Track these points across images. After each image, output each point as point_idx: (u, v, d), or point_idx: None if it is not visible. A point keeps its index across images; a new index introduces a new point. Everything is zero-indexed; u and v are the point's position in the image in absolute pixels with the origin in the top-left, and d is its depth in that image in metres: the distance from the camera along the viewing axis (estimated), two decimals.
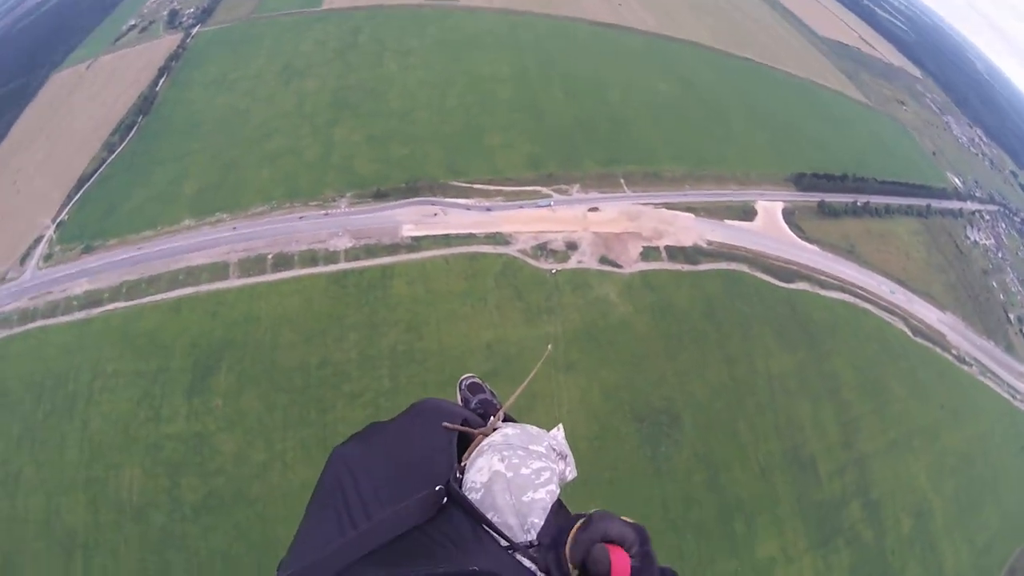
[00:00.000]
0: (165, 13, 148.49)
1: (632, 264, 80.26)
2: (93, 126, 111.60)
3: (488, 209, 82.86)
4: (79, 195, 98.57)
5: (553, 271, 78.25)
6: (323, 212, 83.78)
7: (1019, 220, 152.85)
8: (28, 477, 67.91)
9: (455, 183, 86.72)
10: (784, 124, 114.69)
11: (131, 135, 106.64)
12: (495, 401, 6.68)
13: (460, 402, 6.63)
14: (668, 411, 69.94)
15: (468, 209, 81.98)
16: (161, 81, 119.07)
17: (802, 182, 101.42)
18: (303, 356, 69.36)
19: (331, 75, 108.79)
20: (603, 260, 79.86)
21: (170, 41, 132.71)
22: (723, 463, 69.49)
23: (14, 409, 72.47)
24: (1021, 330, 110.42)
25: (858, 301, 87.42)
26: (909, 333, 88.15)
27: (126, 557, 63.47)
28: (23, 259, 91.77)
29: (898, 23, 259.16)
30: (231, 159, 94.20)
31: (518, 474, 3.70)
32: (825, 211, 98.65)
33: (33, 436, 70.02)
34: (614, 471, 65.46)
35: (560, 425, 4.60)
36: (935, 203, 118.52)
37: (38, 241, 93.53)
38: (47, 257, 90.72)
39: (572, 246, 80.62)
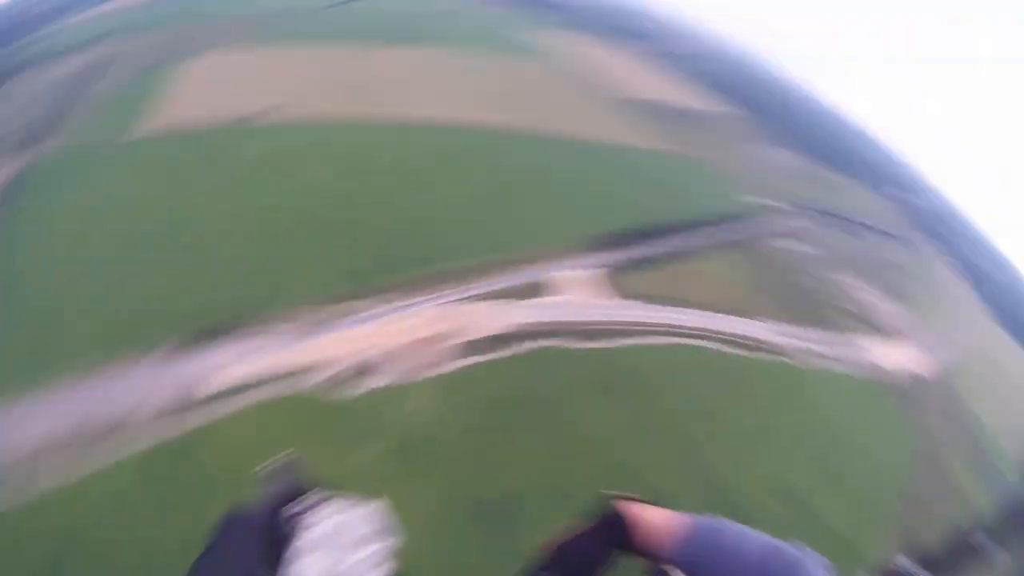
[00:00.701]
0: None
1: (439, 367, 74.60)
2: None
3: (293, 339, 77.01)
4: None
5: (360, 392, 71.67)
6: (134, 370, 74.78)
7: (835, 219, 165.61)
8: None
9: (263, 317, 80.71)
10: (578, 188, 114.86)
11: None
12: (301, 478, 5.86)
13: (270, 486, 5.71)
14: (509, 502, 65.61)
15: (274, 344, 76.33)
16: None
17: (603, 241, 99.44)
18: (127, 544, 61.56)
19: (149, 207, 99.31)
20: (412, 369, 73.80)
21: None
22: None
23: None
24: (854, 311, 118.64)
25: (697, 341, 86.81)
26: (745, 354, 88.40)
27: None
28: None
29: (695, 59, 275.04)
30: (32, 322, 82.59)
31: (349, 565, 3.76)
32: (638, 265, 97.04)
33: None
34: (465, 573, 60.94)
35: (379, 501, 4.60)
36: (744, 227, 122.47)
37: None
38: None
39: (369, 368, 74.47)
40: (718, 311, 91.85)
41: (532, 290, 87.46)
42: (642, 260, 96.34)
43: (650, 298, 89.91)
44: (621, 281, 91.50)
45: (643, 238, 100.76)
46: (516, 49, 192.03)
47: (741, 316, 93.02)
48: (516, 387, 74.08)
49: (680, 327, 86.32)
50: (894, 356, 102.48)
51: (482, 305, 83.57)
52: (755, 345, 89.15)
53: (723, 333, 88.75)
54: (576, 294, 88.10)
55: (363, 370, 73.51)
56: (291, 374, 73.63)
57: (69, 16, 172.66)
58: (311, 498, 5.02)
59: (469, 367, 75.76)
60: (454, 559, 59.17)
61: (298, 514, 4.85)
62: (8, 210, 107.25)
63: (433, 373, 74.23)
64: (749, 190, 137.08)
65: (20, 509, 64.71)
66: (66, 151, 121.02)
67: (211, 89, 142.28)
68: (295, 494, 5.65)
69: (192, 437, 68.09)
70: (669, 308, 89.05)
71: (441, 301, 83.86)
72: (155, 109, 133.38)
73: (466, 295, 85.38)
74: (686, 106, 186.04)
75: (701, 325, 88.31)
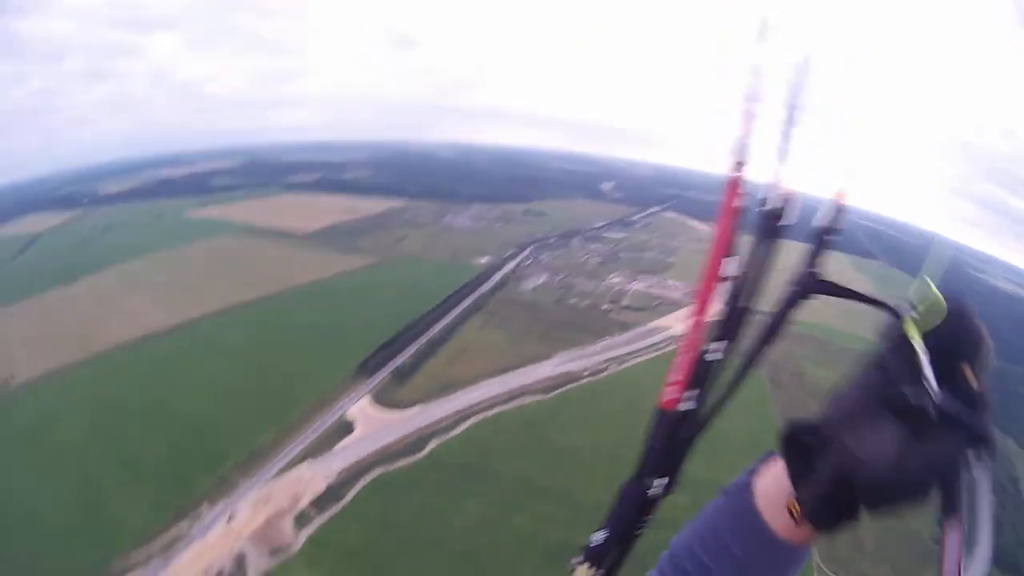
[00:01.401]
0: None
1: (299, 536, 70.13)
2: None
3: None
4: None
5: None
6: None
7: (557, 245, 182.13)
8: None
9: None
10: (324, 333, 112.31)
11: None
12: None
13: None
14: None
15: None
16: None
17: (368, 366, 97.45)
18: None
19: None
20: (273, 552, 68.28)
21: None
22: None
23: None
24: (613, 306, 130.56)
25: (484, 412, 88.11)
26: (543, 397, 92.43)
27: None
28: None
29: (362, 171, 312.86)
30: None
31: None
32: (402, 374, 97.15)
33: None
34: None
35: None
36: (484, 288, 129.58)
37: None
38: None
39: (238, 562, 71.53)
40: (500, 372, 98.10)
41: (334, 436, 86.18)
42: (402, 367, 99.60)
43: (430, 396, 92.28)
44: (394, 391, 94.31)
45: (392, 345, 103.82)
46: (201, 231, 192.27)
47: (524, 365, 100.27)
48: (374, 526, 72.15)
49: (470, 407, 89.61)
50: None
51: (300, 470, 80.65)
52: (554, 384, 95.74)
53: (513, 391, 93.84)
54: (369, 422, 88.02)
55: (239, 564, 69.36)
56: None
57: None
58: None
59: (326, 522, 72.88)
60: None
61: None
62: None
63: (298, 542, 70.55)
64: (469, 255, 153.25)
65: None
66: None
67: None
68: None
69: None
70: (453, 394, 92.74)
71: (257, 487, 78.95)
72: None
73: (278, 468, 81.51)
74: (370, 214, 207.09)
75: (492, 394, 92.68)
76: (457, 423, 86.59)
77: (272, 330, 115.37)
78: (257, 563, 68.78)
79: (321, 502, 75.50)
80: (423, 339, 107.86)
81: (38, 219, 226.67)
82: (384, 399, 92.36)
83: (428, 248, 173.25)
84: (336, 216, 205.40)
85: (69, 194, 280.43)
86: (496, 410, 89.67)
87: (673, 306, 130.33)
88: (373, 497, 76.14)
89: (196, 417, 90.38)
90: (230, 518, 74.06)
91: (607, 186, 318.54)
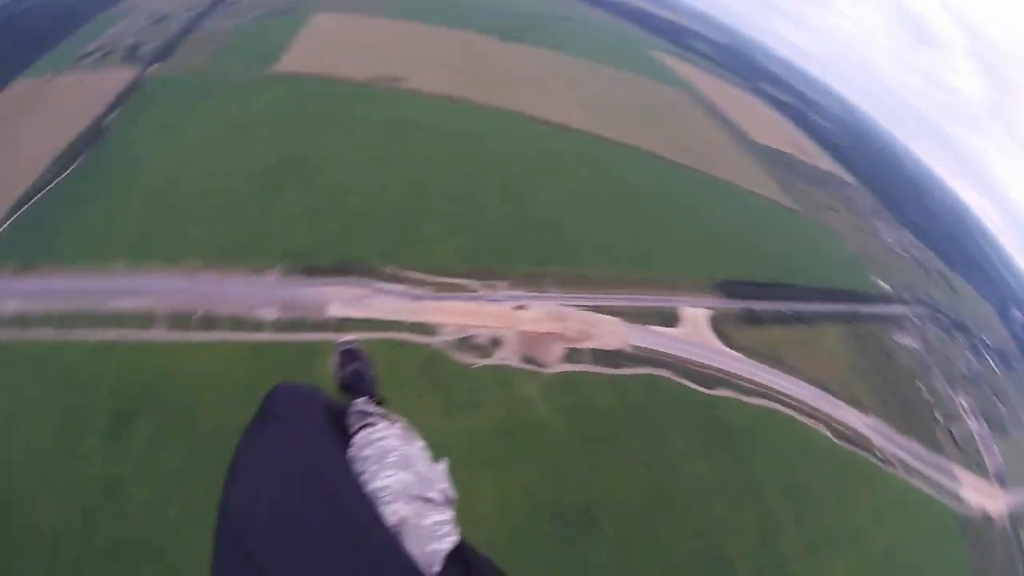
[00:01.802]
0: (127, 44, 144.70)
1: (555, 365, 78.65)
2: (41, 146, 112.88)
3: (417, 298, 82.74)
4: (19, 214, 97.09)
5: (476, 366, 76.68)
6: (254, 279, 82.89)
7: (948, 321, 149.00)
8: None
9: (385, 268, 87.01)
10: (714, 231, 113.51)
11: (77, 163, 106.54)
12: (369, 375, 6.03)
13: (337, 365, 6.21)
14: (587, 512, 67.05)
15: (396, 296, 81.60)
16: (112, 114, 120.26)
17: (729, 289, 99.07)
18: (221, 420, 67.60)
19: (276, 140, 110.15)
20: (526, 359, 78.34)
21: (126, 75, 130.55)
22: (641, 564, 66.02)
23: None
24: (949, 430, 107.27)
25: (781, 407, 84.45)
26: (832, 437, 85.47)
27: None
28: None
29: (831, 128, 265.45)
30: (169, 207, 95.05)
31: (421, 525, 3.58)
32: (751, 319, 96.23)
33: None
34: (531, 569, 61.43)
35: (446, 461, 4.44)
36: (862, 308, 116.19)
37: None
38: None
39: (496, 343, 79.62)
40: (817, 386, 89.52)
41: (659, 317, 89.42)
42: (758, 314, 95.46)
43: (757, 355, 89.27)
44: (734, 330, 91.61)
45: (763, 293, 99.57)
46: (655, 73, 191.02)
47: (838, 398, 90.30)
48: (621, 407, 75.83)
49: (778, 393, 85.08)
50: (977, 490, 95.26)
51: (612, 319, 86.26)
52: (847, 434, 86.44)
53: (818, 412, 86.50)
54: (694, 332, 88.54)
55: (492, 344, 78.61)
56: (417, 326, 79.18)
57: None
58: (376, 410, 4.93)
59: (583, 373, 78.82)
60: (519, 547, 62.07)
61: (366, 414, 4.81)
62: (132, 110, 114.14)
63: (550, 369, 77.73)
64: (871, 270, 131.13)
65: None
66: (198, 74, 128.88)
67: (334, 47, 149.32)
68: (357, 382, 5.77)
69: (305, 347, 74.59)
70: (772, 370, 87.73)
71: (571, 302, 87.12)
72: (281, 54, 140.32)
73: (597, 304, 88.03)
74: (817, 167, 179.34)
75: (798, 396, 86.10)
76: (754, 395, 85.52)
77: (672, 196, 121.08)
78: (507, 355, 78.17)
79: (600, 357, 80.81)
80: (804, 309, 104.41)
81: None
82: (721, 327, 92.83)
83: None
84: (791, 146, 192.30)
85: None
86: (796, 415, 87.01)
87: None
88: (644, 390, 79.46)
89: (557, 217, 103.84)
90: (520, 307, 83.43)
91: None
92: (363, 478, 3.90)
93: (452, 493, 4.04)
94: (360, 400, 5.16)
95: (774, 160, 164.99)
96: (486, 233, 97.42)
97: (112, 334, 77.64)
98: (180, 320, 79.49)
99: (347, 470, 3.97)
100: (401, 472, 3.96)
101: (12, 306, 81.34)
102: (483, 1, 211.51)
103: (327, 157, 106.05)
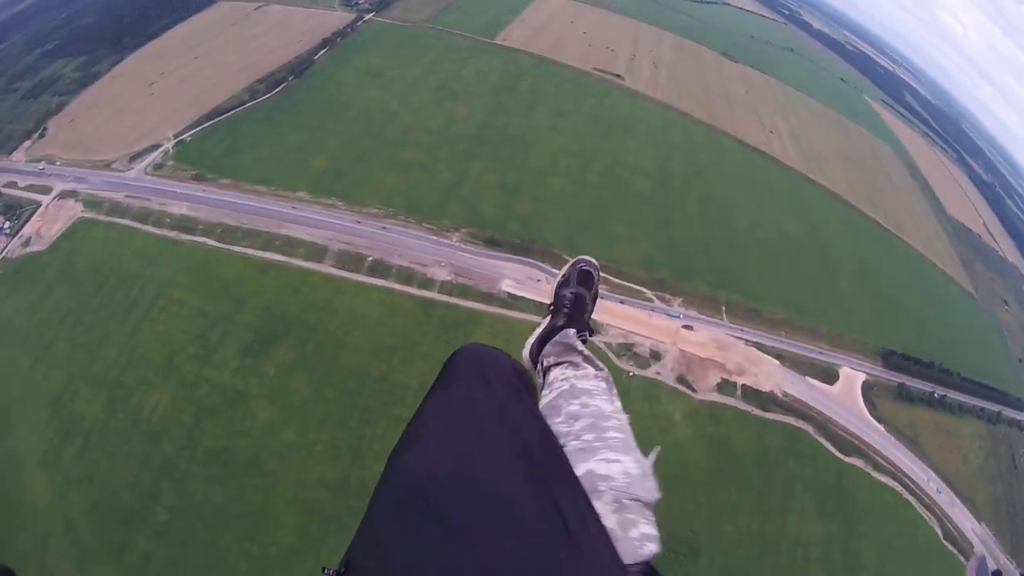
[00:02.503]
0: None
1: (706, 392, 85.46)
2: (242, 66, 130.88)
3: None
4: (208, 124, 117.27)
5: (631, 374, 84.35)
6: (434, 238, 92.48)
7: None
8: (59, 351, 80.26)
9: (567, 256, 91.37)
10: (890, 296, 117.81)
11: (277, 90, 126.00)
12: (590, 308, 6.16)
13: (564, 279, 6.24)
14: (690, 543, 72.66)
15: None
16: (322, 52, 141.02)
17: (890, 359, 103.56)
18: (366, 363, 77.86)
19: (483, 109, 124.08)
20: (680, 379, 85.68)
21: (341, 17, 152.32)
22: None
23: (73, 285, 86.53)
24: None
25: (903, 491, 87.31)
26: (940, 535, 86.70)
27: (122, 466, 71.43)
28: (133, 158, 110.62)
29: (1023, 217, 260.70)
30: (364, 152, 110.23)
31: (627, 536, 3.51)
32: (902, 394, 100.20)
33: (79, 317, 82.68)
34: None
35: (656, 451, 4.32)
36: (1007, 411, 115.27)
37: (154, 148, 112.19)
38: (157, 166, 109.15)
39: (656, 356, 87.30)
40: (943, 478, 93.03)
41: (818, 371, 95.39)
42: (909, 391, 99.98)
43: (898, 431, 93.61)
44: (882, 401, 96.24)
45: (920, 371, 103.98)
46: (868, 122, 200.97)
47: (958, 496, 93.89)
48: (757, 451, 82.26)
49: (904, 474, 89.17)
50: None
51: (773, 360, 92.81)
52: (954, 535, 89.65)
53: (935, 505, 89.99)
54: (846, 393, 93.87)
55: (651, 356, 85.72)
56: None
57: None
58: (584, 351, 5.18)
59: (731, 408, 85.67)
60: None
61: (571, 349, 5.21)
62: (344, 51, 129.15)
63: (701, 396, 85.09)
64: None
65: None
66: (416, 29, 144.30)
67: (558, 30, 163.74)
68: (573, 307, 5.98)
69: (468, 315, 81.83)
70: (906, 450, 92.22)
71: (738, 333, 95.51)
72: (504, 25, 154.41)
73: (762, 341, 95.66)
74: (1002, 256, 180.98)
75: (922, 484, 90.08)
76: (882, 472, 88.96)
77: (859, 252, 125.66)
78: (663, 371, 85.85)
79: (750, 395, 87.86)
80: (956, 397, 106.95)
81: None
82: (872, 395, 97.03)
83: None
84: (981, 227, 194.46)
85: None
86: (916, 504, 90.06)
87: None
88: (783, 440, 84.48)
89: (746, 246, 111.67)
90: (688, 327, 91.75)
91: None
92: (572, 445, 4.02)
93: (658, 493, 3.88)
94: (571, 331, 5.46)
95: (963, 238, 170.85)
96: (674, 246, 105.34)
97: (276, 258, 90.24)
98: (351, 260, 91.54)
99: (549, 440, 3.95)
100: (624, 458, 4.03)
101: (182, 208, 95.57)
102: (709, 15, 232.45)
103: (532, 136, 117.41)
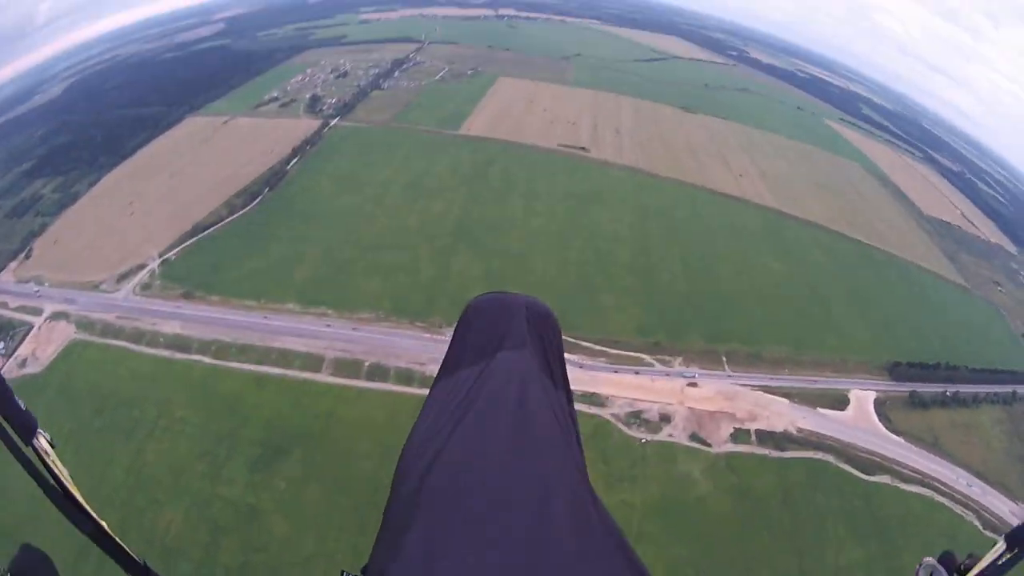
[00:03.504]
0: (307, 96, 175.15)
1: (721, 444, 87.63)
2: (218, 181, 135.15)
3: (590, 368, 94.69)
4: (191, 241, 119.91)
5: (643, 440, 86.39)
6: (427, 335, 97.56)
7: None
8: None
9: (563, 336, 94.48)
10: (884, 309, 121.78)
11: (254, 204, 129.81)
12: None
13: None
14: None
15: (569, 364, 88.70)
16: (293, 161, 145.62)
17: (896, 371, 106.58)
18: (377, 469, 78.78)
19: (457, 202, 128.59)
20: (693, 437, 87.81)
21: (308, 124, 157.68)
22: None
23: (72, 407, 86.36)
24: None
25: (935, 495, 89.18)
26: (980, 527, 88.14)
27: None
28: (120, 278, 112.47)
29: (998, 195, 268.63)
30: (346, 259, 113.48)
31: None
32: (915, 402, 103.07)
33: (82, 440, 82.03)
34: None
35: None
36: (1020, 390, 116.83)
37: (140, 268, 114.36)
38: (145, 286, 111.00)
39: (666, 418, 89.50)
40: (971, 472, 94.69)
41: (828, 400, 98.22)
42: (921, 397, 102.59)
43: (917, 439, 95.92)
44: (897, 414, 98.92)
45: (928, 375, 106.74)
46: (830, 144, 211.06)
47: (990, 484, 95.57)
48: (780, 491, 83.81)
49: (933, 479, 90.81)
50: None
51: (782, 400, 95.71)
52: (994, 523, 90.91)
53: (970, 500, 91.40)
54: (859, 415, 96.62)
55: (661, 420, 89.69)
56: (589, 397, 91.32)
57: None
58: None
59: (747, 454, 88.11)
60: None
61: None
62: (314, 158, 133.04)
63: (716, 449, 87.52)
64: None
65: None
66: (381, 130, 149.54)
67: (518, 112, 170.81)
68: None
69: None
70: (929, 455, 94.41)
71: (742, 381, 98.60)
72: (466, 116, 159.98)
73: (768, 384, 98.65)
74: (985, 240, 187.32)
75: (952, 484, 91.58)
76: (911, 482, 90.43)
77: (846, 274, 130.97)
78: (675, 432, 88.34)
79: (765, 438, 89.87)
80: (969, 391, 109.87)
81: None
82: (885, 411, 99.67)
83: None
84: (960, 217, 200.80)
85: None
86: (949, 504, 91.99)
87: None
88: (805, 474, 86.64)
89: (735, 293, 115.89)
90: (692, 383, 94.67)
91: None
92: None
93: None
94: None
95: (944, 234, 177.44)
96: (664, 307, 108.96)
97: (273, 371, 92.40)
98: (349, 366, 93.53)
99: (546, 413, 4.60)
100: None
101: (175, 327, 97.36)
102: (661, 72, 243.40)
103: (509, 222, 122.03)
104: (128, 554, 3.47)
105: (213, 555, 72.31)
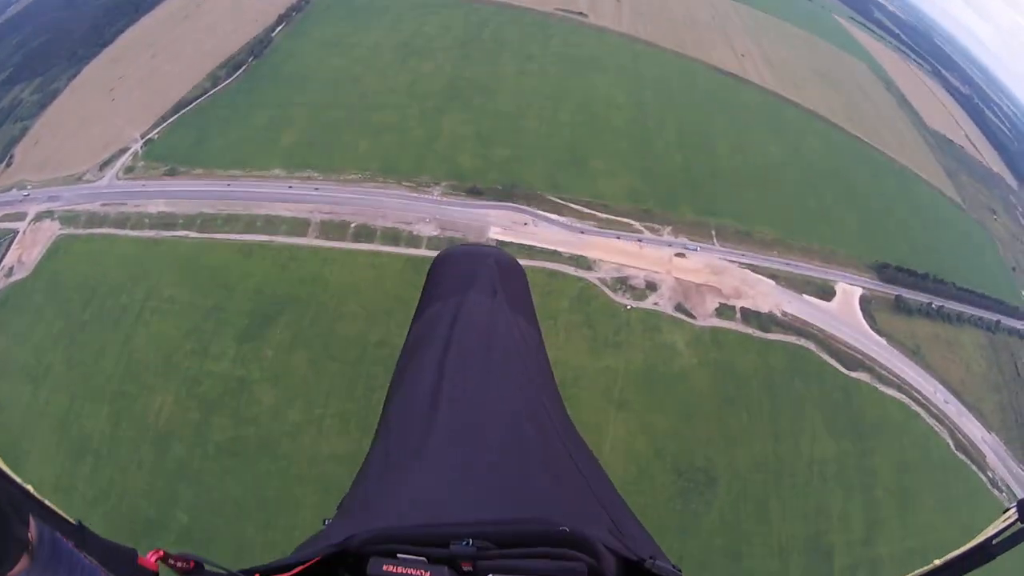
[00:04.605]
0: None
1: (705, 318, 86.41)
2: (201, 55, 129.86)
3: (579, 231, 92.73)
4: (174, 118, 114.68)
5: (628, 307, 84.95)
6: (415, 195, 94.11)
7: None
8: (57, 373, 78.64)
9: (551, 197, 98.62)
10: (878, 210, 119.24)
11: (238, 73, 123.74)
12: None
13: None
14: (707, 471, 74.50)
15: (558, 226, 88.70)
16: (278, 28, 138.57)
17: (884, 272, 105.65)
18: (363, 330, 78.33)
19: (448, 62, 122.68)
20: (678, 308, 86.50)
21: None
22: (745, 534, 72.98)
23: (61, 305, 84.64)
24: None
25: (911, 403, 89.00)
26: (952, 446, 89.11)
27: (136, 477, 71.25)
28: (103, 165, 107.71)
29: (1005, 128, 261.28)
30: (333, 121, 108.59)
31: None
32: (900, 306, 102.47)
33: (72, 336, 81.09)
34: (641, 517, 66.51)
35: None
36: (1005, 320, 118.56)
37: (122, 152, 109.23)
38: (128, 169, 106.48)
39: (652, 286, 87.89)
40: (949, 389, 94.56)
41: (815, 288, 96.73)
42: (907, 303, 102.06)
43: (899, 343, 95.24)
44: (882, 315, 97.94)
45: (916, 283, 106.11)
46: (839, 40, 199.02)
47: (965, 406, 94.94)
48: (762, 373, 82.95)
49: (911, 387, 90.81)
50: None
51: (768, 281, 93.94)
52: (965, 445, 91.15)
53: (944, 416, 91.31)
54: (845, 309, 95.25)
55: (647, 287, 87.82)
56: (576, 259, 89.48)
57: None
58: None
59: (732, 331, 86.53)
60: (634, 493, 69.08)
61: None
62: (301, 23, 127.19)
63: (700, 322, 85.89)
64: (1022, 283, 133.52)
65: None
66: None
67: None
68: None
69: None
70: (909, 362, 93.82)
71: (731, 257, 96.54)
72: None
73: (756, 263, 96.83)
74: (986, 166, 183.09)
75: (928, 395, 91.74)
76: (889, 385, 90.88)
77: (843, 168, 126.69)
78: (660, 301, 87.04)
79: (750, 317, 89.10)
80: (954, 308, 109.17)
81: None
82: (870, 309, 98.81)
83: None
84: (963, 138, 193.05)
85: None
86: (925, 416, 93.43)
87: None
88: (786, 359, 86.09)
89: (729, 170, 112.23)
90: (680, 254, 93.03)
91: None
92: None
93: None
94: None
95: (946, 150, 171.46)
96: (657, 176, 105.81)
97: (259, 238, 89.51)
98: (335, 229, 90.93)
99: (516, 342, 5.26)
100: None
101: (159, 206, 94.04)
102: None
103: (501, 83, 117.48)
104: (59, 515, 2.99)
105: (204, 433, 71.40)
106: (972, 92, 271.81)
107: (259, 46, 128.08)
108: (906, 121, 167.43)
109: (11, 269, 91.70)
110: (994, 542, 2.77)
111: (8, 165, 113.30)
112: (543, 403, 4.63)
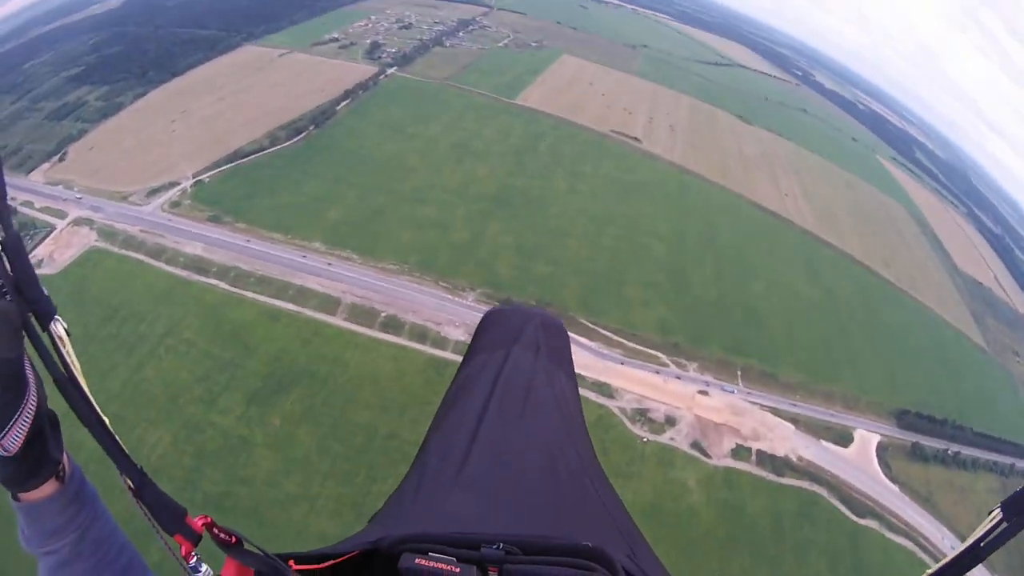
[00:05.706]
0: (368, 42, 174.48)
1: (721, 457, 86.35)
2: (265, 111, 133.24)
3: (605, 357, 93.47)
4: (228, 166, 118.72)
5: (644, 439, 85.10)
6: (449, 296, 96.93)
7: None
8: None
9: (583, 320, 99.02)
10: (903, 355, 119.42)
11: (297, 139, 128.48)
12: None
13: None
14: None
15: (586, 351, 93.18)
16: (343, 103, 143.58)
17: (904, 419, 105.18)
18: (375, 420, 78.93)
19: (502, 169, 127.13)
20: (695, 445, 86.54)
21: (364, 70, 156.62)
22: None
23: (80, 313, 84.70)
24: None
25: (918, 550, 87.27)
26: None
27: (113, 501, 67.23)
28: (151, 193, 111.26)
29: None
30: (380, 206, 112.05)
31: None
32: (916, 453, 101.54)
33: (85, 346, 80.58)
34: None
35: None
36: (1019, 463, 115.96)
37: (172, 185, 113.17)
38: (175, 204, 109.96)
39: (671, 421, 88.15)
40: (958, 536, 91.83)
41: (833, 434, 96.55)
42: (923, 450, 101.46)
43: (912, 491, 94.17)
44: (897, 462, 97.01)
45: (934, 429, 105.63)
46: (879, 180, 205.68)
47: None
48: (771, 516, 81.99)
49: (920, 535, 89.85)
50: None
51: (788, 425, 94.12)
52: None
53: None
54: (861, 455, 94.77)
55: (666, 421, 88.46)
56: (599, 386, 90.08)
57: None
58: None
59: (745, 473, 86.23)
60: None
61: None
62: (366, 103, 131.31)
63: (715, 461, 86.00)
64: None
65: None
66: (438, 86, 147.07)
67: (576, 91, 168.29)
68: None
69: None
70: (921, 511, 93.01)
71: (753, 399, 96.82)
72: (525, 85, 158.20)
73: (778, 405, 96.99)
74: (1013, 308, 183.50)
75: (937, 544, 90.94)
76: (898, 533, 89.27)
77: (872, 312, 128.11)
78: (677, 437, 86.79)
79: (765, 460, 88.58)
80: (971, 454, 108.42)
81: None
82: (886, 456, 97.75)
83: None
84: (992, 280, 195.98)
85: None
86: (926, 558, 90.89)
87: None
88: (799, 505, 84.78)
89: (762, 309, 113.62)
90: (703, 392, 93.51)
91: None
92: None
93: None
94: None
95: (974, 292, 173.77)
96: (689, 310, 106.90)
97: (288, 307, 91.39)
98: (364, 314, 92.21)
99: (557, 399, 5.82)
100: None
101: (197, 249, 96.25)
102: (723, 77, 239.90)
103: (550, 198, 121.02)
104: (126, 454, 3.22)
105: (196, 481, 70.91)
106: (1004, 232, 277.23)
107: (322, 116, 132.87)
108: (937, 264, 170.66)
109: (41, 261, 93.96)
110: (983, 544, 3.23)
111: (61, 159, 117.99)
112: (574, 446, 5.24)
